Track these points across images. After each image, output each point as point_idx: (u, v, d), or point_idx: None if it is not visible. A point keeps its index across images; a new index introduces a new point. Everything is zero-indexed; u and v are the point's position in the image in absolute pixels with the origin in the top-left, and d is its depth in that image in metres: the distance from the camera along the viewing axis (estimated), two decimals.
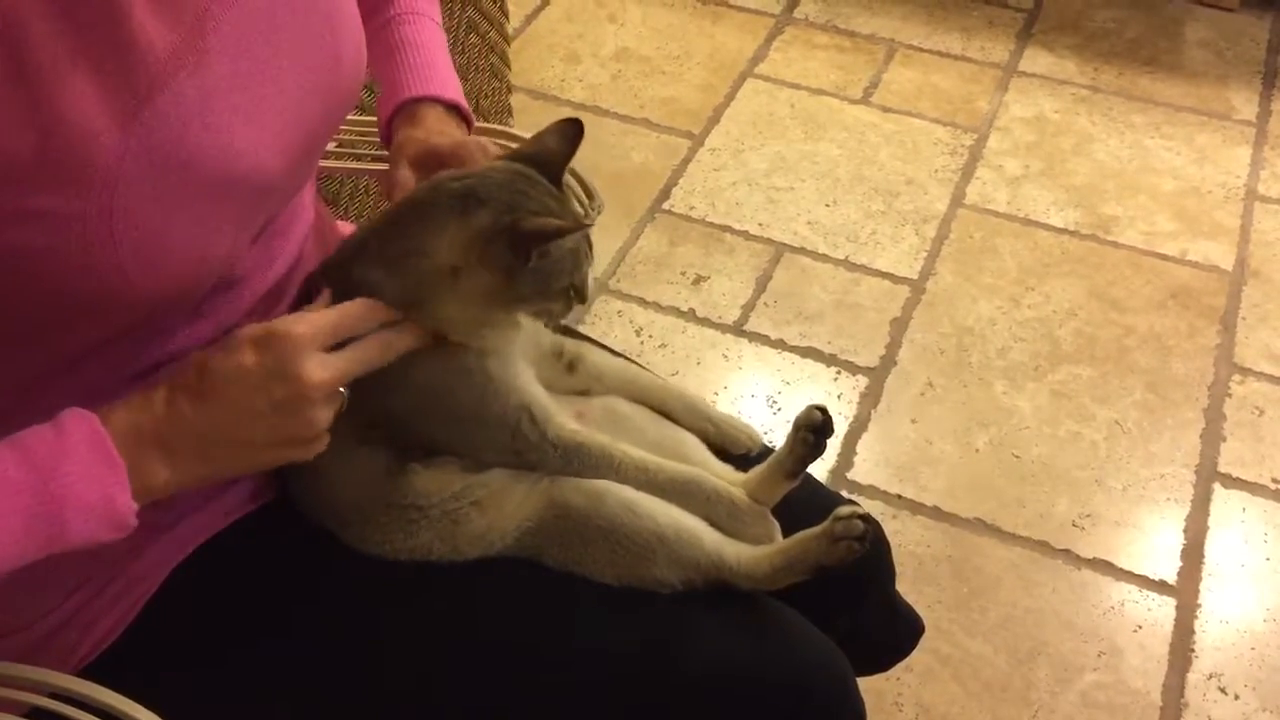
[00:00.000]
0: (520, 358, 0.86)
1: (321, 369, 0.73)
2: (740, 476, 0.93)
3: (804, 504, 0.93)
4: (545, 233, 0.78)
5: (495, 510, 0.86)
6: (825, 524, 0.86)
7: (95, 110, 0.66)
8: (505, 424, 0.84)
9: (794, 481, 0.91)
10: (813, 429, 0.89)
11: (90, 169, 0.66)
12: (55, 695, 0.75)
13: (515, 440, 0.85)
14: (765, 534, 0.90)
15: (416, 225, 0.80)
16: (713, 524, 0.89)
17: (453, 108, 0.99)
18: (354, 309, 0.76)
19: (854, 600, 1.01)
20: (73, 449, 0.68)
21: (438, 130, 0.96)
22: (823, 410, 0.89)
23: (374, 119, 1.04)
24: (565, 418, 0.87)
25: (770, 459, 0.92)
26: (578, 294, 0.84)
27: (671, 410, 0.97)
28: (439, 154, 0.92)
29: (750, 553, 0.88)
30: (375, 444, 0.84)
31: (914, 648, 1.14)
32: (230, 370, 0.72)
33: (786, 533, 0.90)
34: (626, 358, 1.00)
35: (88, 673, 0.80)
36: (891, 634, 1.12)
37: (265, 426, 0.73)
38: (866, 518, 0.86)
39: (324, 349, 0.74)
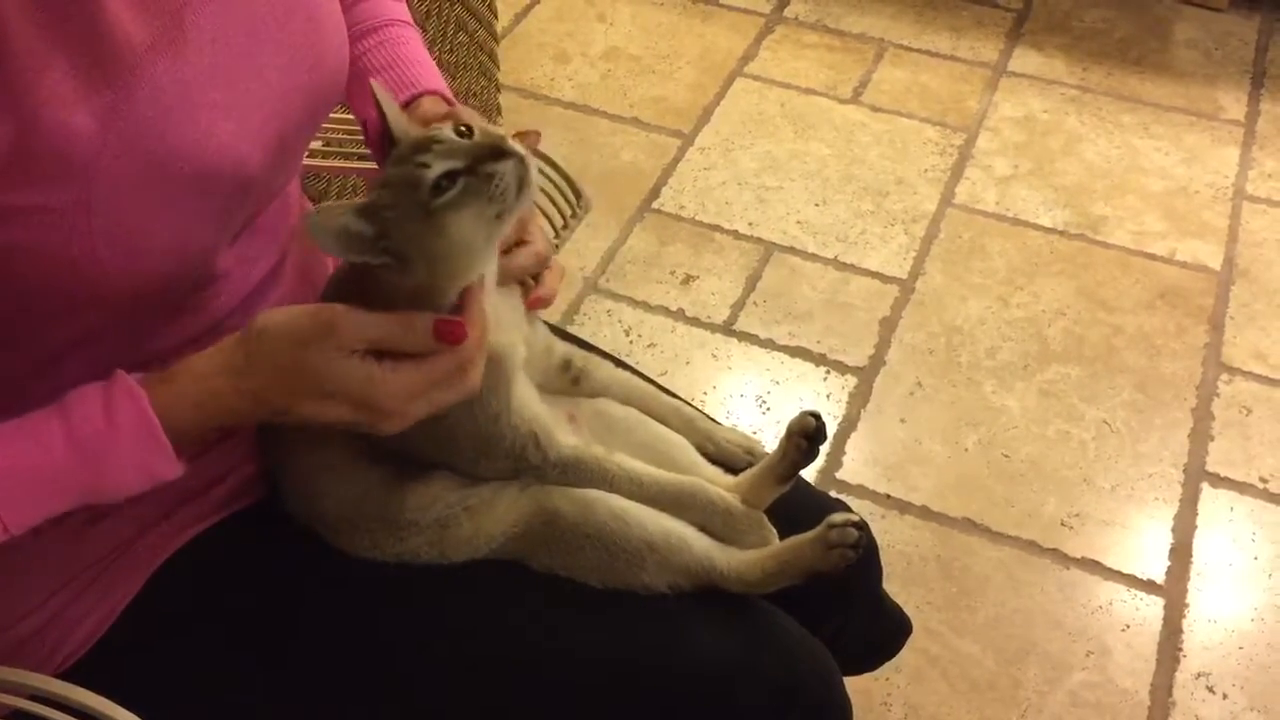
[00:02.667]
0: (525, 377, 0.85)
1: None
2: (731, 480, 0.92)
3: (798, 506, 0.92)
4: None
5: (485, 515, 0.85)
6: (819, 530, 0.85)
7: (72, 103, 0.66)
8: (511, 452, 0.83)
9: (785, 486, 0.90)
10: (806, 435, 0.88)
11: (68, 162, 0.66)
12: (35, 697, 0.74)
13: (518, 463, 0.84)
14: (761, 540, 0.89)
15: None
16: (709, 532, 0.88)
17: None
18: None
19: (842, 601, 1.01)
20: (121, 441, 0.70)
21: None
22: (816, 416, 0.89)
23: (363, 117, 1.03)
24: (562, 432, 0.86)
25: (762, 463, 0.91)
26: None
27: (671, 426, 0.96)
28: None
29: (742, 557, 0.87)
30: (372, 459, 0.83)
31: (902, 648, 1.14)
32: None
33: (780, 534, 0.89)
34: (629, 368, 0.99)
35: (70, 674, 0.80)
36: (880, 634, 1.12)
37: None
38: (860, 525, 0.85)
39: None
